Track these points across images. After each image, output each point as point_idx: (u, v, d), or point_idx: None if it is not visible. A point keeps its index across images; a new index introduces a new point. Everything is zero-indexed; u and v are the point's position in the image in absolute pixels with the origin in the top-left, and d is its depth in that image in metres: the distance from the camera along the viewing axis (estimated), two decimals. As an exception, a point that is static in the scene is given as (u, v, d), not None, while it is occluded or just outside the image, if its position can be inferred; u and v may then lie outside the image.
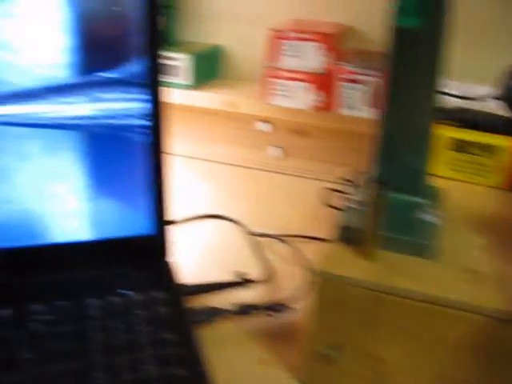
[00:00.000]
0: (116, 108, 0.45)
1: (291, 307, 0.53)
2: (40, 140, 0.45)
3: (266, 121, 0.85)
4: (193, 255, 0.55)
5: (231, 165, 0.85)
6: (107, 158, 0.47)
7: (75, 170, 0.46)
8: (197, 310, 0.49)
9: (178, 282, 0.48)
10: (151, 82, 0.46)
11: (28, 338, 0.40)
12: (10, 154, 0.44)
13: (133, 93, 0.45)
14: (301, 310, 0.53)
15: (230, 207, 0.70)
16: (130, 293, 0.45)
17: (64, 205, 0.46)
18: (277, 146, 0.83)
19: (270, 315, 0.52)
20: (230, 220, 0.67)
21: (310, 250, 0.63)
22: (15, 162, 0.44)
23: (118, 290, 0.45)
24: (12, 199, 0.45)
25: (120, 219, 0.48)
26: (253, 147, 0.86)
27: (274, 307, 0.53)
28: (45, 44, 0.43)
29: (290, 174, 0.85)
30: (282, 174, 0.85)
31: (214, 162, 0.72)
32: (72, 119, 0.45)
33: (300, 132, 0.86)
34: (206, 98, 1.02)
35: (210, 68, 1.03)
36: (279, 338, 0.50)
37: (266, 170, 0.86)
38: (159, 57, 0.46)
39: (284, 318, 0.52)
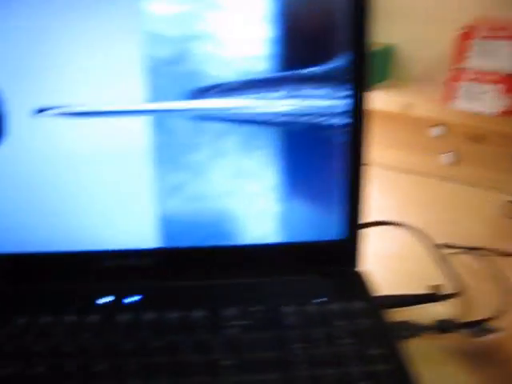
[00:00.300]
0: (317, 105, 0.42)
1: (492, 326, 0.47)
2: (236, 136, 0.43)
3: (441, 125, 0.78)
4: (378, 264, 0.50)
5: (403, 171, 0.80)
6: (303, 158, 0.44)
7: (269, 168, 0.43)
8: (396, 323, 0.44)
9: (373, 293, 0.43)
10: (355, 78, 0.42)
11: (225, 344, 0.38)
12: (205, 150, 0.43)
13: (336, 90, 0.42)
14: (504, 330, 0.46)
15: (405, 215, 0.65)
16: (326, 301, 0.41)
17: (255, 205, 0.44)
18: (451, 152, 0.76)
19: (470, 334, 0.46)
20: (412, 229, 0.61)
21: (502, 265, 0.56)
22: (210, 158, 0.43)
23: (314, 299, 0.42)
24: (204, 197, 0.43)
25: (311, 222, 0.45)
26: (425, 153, 0.80)
27: (473, 325, 0.47)
28: (247, 36, 0.41)
29: (466, 183, 0.78)
30: (457, 182, 0.78)
31: (385, 167, 0.67)
32: (270, 115, 0.42)
33: (477, 138, 0.78)
34: (379, 100, 0.97)
35: (381, 69, 0.98)
36: (484, 361, 0.44)
37: (440, 178, 0.79)
38: (365, 52, 0.42)
39: (486, 338, 0.46)
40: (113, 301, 0.42)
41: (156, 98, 0.41)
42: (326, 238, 0.45)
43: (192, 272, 0.44)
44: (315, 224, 0.45)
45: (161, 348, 0.37)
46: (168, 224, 0.44)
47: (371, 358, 0.37)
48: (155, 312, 0.40)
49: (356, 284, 0.44)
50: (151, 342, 0.38)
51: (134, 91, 0.41)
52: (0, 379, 0.35)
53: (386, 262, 0.56)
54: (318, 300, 0.42)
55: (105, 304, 0.41)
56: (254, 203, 0.44)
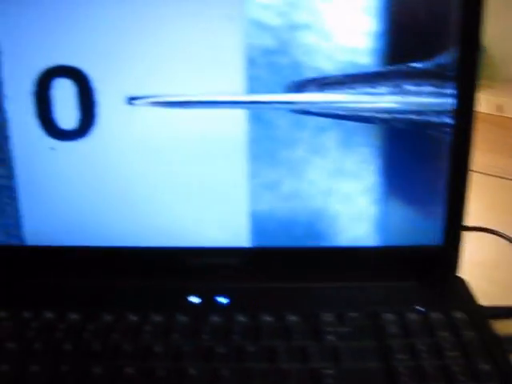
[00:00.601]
0: (422, 102, 0.40)
1: None
2: (336, 132, 0.40)
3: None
4: (472, 272, 0.47)
5: (493, 174, 0.76)
6: (403, 157, 0.41)
7: (369, 167, 0.41)
8: (503, 336, 0.41)
9: (475, 302, 0.40)
10: (463, 76, 0.39)
11: (325, 352, 0.35)
12: (304, 146, 0.41)
13: (442, 87, 0.39)
14: None
15: (495, 221, 0.61)
16: (426, 310, 0.39)
17: (352, 205, 0.42)
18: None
19: None
20: (505, 237, 0.58)
21: None
22: (308, 154, 0.41)
23: (413, 306, 0.39)
24: (299, 195, 0.41)
25: (409, 226, 0.42)
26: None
27: None
28: (352, 28, 0.39)
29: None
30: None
31: (473, 169, 0.63)
32: (372, 111, 0.40)
33: None
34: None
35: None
36: None
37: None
38: (475, 48, 0.39)
39: None
40: (202, 301, 0.40)
41: (255, 89, 0.40)
42: (425, 243, 0.43)
43: (284, 274, 0.42)
44: (414, 227, 0.42)
45: (256, 353, 0.35)
46: (260, 222, 0.42)
47: (480, 374, 0.34)
48: (247, 315, 0.38)
49: (456, 292, 0.42)
50: (246, 346, 0.36)
51: (232, 82, 0.39)
52: (88, 379, 0.34)
53: (480, 270, 0.53)
54: (419, 308, 0.39)
55: (194, 304, 0.40)
56: (350, 203, 0.42)
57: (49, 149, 0.41)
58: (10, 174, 0.42)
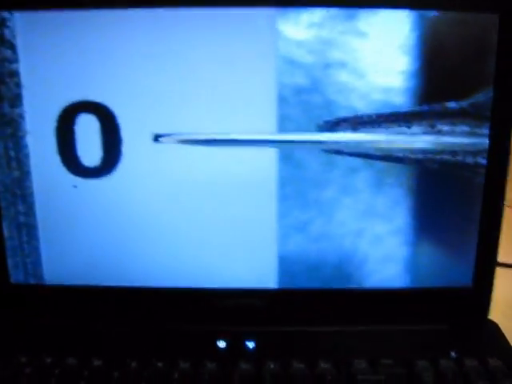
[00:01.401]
0: (456, 142, 0.39)
1: None
2: (367, 173, 0.39)
3: None
4: (505, 312, 0.46)
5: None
6: (435, 198, 0.40)
7: (400, 209, 0.40)
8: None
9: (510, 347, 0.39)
10: (497, 116, 0.38)
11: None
12: (334, 186, 0.39)
13: (477, 127, 0.38)
14: None
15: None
16: (460, 356, 0.38)
17: (382, 246, 0.41)
18: None
19: None
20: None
21: None
22: (339, 195, 0.39)
23: (446, 352, 0.38)
24: (329, 236, 0.40)
25: (439, 267, 0.41)
26: None
27: None
28: (387, 66, 0.38)
29: None
30: None
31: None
32: (405, 152, 0.39)
33: None
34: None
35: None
36: None
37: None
38: (511, 87, 0.38)
39: None
40: (229, 345, 0.39)
41: (286, 128, 0.38)
42: (455, 285, 0.41)
43: (312, 316, 0.41)
44: (444, 269, 0.41)
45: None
46: (288, 263, 0.41)
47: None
48: (278, 361, 0.37)
49: (490, 336, 0.40)
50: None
51: (263, 120, 0.38)
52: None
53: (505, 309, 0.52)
54: (453, 354, 0.38)
55: (221, 349, 0.38)
56: (380, 245, 0.41)
57: (71, 186, 0.40)
58: (29, 212, 0.40)
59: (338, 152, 0.39)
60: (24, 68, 0.38)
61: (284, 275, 0.41)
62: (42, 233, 0.41)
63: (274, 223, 0.40)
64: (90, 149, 0.39)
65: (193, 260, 0.41)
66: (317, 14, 0.37)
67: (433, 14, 0.37)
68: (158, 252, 0.40)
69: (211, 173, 0.39)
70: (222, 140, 0.39)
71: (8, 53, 0.38)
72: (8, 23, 0.38)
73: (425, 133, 0.39)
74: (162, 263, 0.41)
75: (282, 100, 0.38)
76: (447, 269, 0.41)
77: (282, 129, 0.38)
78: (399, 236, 0.40)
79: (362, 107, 0.39)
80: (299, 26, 0.37)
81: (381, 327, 0.41)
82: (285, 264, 0.41)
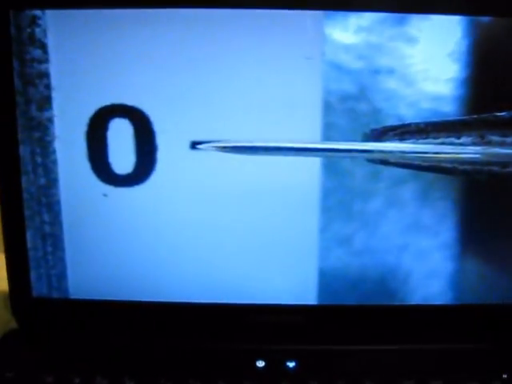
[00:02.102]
0: (506, 153, 0.37)
1: None
2: (414, 184, 0.38)
3: None
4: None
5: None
6: (484, 211, 0.38)
7: (447, 222, 0.38)
8: None
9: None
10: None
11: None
12: (379, 198, 0.37)
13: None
14: None
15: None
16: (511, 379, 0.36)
17: (427, 261, 0.39)
18: None
19: None
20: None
21: None
22: (383, 207, 0.38)
23: (496, 373, 0.36)
24: (372, 250, 0.38)
25: (485, 283, 0.40)
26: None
27: None
28: (436, 74, 0.36)
29: None
30: None
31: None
32: (454, 162, 0.37)
33: None
34: None
35: None
36: None
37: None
38: None
39: None
40: (269, 365, 0.36)
41: (331, 136, 0.37)
42: (504, 301, 0.40)
43: (353, 334, 0.39)
44: (491, 285, 0.39)
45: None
46: (329, 278, 0.39)
47: None
48: (321, 382, 0.35)
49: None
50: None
51: (307, 127, 0.37)
52: None
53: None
54: (504, 376, 0.36)
55: (260, 368, 0.36)
56: (425, 259, 0.39)
57: (100, 195, 0.37)
58: (55, 221, 0.38)
59: (384, 162, 0.37)
60: (54, 69, 0.36)
61: (324, 291, 0.39)
62: (68, 243, 0.38)
63: (315, 236, 0.38)
64: (122, 155, 0.37)
65: (229, 274, 0.38)
66: (365, 18, 0.35)
67: (485, 19, 0.36)
68: (192, 266, 0.38)
69: (250, 182, 0.37)
70: (262, 148, 0.37)
71: (38, 53, 0.36)
72: (39, 21, 0.36)
73: (474, 143, 0.37)
74: (197, 277, 0.38)
75: (327, 107, 0.36)
76: (495, 285, 0.39)
77: (326, 137, 0.37)
78: (445, 250, 0.39)
79: (410, 116, 0.37)
80: (347, 30, 0.36)
81: (427, 346, 0.39)
82: (325, 279, 0.39)
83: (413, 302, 0.40)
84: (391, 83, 0.36)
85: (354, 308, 0.40)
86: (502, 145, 0.38)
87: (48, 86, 0.36)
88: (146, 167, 0.37)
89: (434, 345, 0.39)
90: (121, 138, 0.37)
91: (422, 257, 0.39)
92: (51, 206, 0.38)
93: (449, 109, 0.37)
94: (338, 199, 0.38)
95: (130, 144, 0.37)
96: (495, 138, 0.38)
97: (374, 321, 0.40)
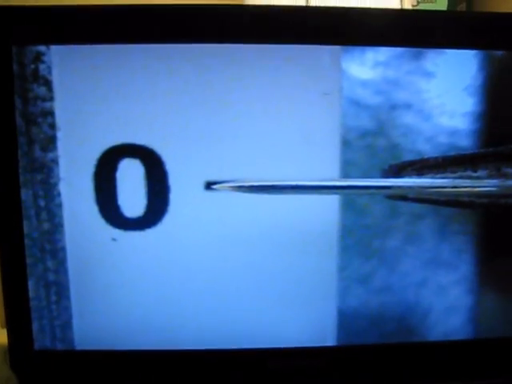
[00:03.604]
0: (523, 185, 0.37)
1: None
2: (433, 219, 0.37)
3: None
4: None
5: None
6: (502, 244, 0.38)
7: (465, 256, 0.37)
8: None
9: None
10: None
11: None
12: (398, 234, 0.37)
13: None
14: None
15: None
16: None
17: (447, 296, 0.38)
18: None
19: None
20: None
21: None
22: (403, 243, 0.37)
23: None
24: (391, 287, 0.37)
25: (507, 317, 0.39)
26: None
27: None
28: (452, 108, 0.36)
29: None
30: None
31: None
32: (471, 196, 0.37)
33: None
34: None
35: None
36: None
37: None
38: None
39: None
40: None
41: (348, 173, 0.36)
42: (517, 335, 0.39)
43: (374, 374, 0.37)
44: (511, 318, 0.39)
45: None
46: (348, 318, 0.37)
47: None
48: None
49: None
50: None
51: (324, 165, 0.35)
52: None
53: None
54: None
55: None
56: (445, 295, 0.38)
57: (109, 239, 0.35)
58: (60, 268, 0.36)
59: (403, 198, 0.36)
60: (59, 107, 0.34)
61: (343, 331, 0.37)
62: (73, 292, 0.36)
63: (335, 276, 0.36)
64: (132, 197, 0.35)
65: (245, 319, 0.37)
66: (382, 53, 0.35)
67: (500, 54, 0.36)
68: (208, 312, 0.36)
69: (268, 223, 0.36)
70: (280, 186, 0.35)
71: (42, 90, 0.34)
72: (43, 58, 0.33)
73: (490, 176, 0.37)
74: (212, 324, 0.37)
75: (345, 143, 0.35)
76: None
77: (344, 174, 0.36)
78: (465, 285, 0.38)
79: (428, 151, 0.36)
80: (364, 65, 0.35)
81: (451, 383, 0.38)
82: (344, 319, 0.37)
83: (433, 339, 0.39)
84: (409, 118, 0.36)
85: (373, 347, 0.38)
86: (517, 177, 0.37)
87: (52, 126, 0.34)
88: (157, 209, 0.35)
89: (456, 382, 0.38)
90: (131, 180, 0.35)
91: (442, 292, 0.38)
92: (56, 252, 0.36)
93: (465, 143, 0.36)
94: (357, 237, 0.37)
95: (140, 185, 0.35)
96: (511, 171, 0.37)
97: (394, 359, 0.38)
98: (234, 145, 0.35)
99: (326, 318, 0.37)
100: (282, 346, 0.37)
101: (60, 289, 0.36)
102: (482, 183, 0.37)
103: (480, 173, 0.37)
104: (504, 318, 0.39)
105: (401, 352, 0.38)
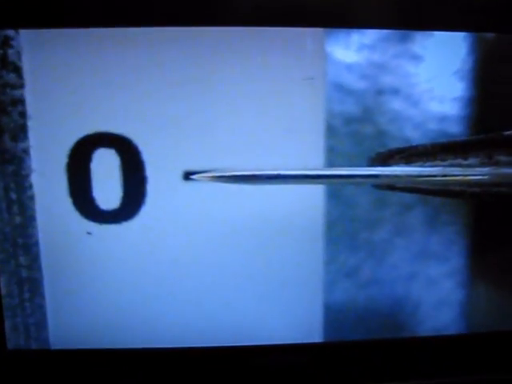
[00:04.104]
0: (514, 173, 0.35)
1: None
2: (422, 210, 0.35)
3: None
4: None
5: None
6: (494, 235, 0.36)
7: (456, 248, 0.36)
8: None
9: None
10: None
11: None
12: (386, 226, 0.35)
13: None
14: None
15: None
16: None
17: (436, 290, 0.36)
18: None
19: None
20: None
21: None
22: (391, 235, 0.35)
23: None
24: (380, 281, 0.36)
25: (499, 310, 0.38)
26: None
27: None
28: (442, 93, 0.34)
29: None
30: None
31: None
32: (462, 185, 0.35)
33: None
34: None
35: None
36: None
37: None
38: None
39: None
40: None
41: (333, 162, 0.34)
42: (512, 329, 0.38)
43: (361, 372, 0.36)
44: (503, 311, 0.37)
45: None
46: (335, 313, 0.36)
47: None
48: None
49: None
50: None
51: (308, 153, 0.34)
52: None
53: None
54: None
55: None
56: (435, 288, 0.36)
57: (84, 233, 0.34)
58: (33, 264, 0.34)
59: (391, 187, 0.35)
60: (30, 94, 0.32)
61: (330, 327, 0.36)
62: (48, 288, 0.34)
63: (320, 269, 0.35)
64: (107, 189, 0.33)
65: (227, 315, 0.35)
66: (368, 36, 0.33)
67: (490, 36, 0.34)
68: (188, 308, 0.35)
69: (249, 215, 0.34)
70: (262, 176, 0.34)
71: (11, 77, 0.32)
72: (12, 42, 0.32)
73: (482, 164, 0.35)
74: (192, 321, 0.35)
75: (330, 130, 0.34)
76: (506, 312, 0.37)
77: (329, 163, 0.34)
78: (455, 278, 0.36)
79: (416, 138, 0.35)
80: (349, 48, 0.33)
81: (440, 380, 0.36)
82: (331, 314, 0.36)
83: (423, 334, 0.37)
84: (396, 104, 0.34)
85: (361, 343, 0.37)
86: (510, 165, 0.36)
87: (23, 114, 0.33)
88: (134, 201, 0.34)
89: (447, 378, 0.36)
90: (106, 170, 0.33)
91: (432, 285, 0.37)
92: (28, 247, 0.34)
93: (455, 129, 0.35)
94: (344, 229, 0.35)
95: (116, 176, 0.33)
96: (503, 158, 0.36)
97: (383, 356, 0.37)
98: (213, 133, 0.33)
99: (312, 313, 0.36)
100: (266, 342, 0.36)
101: (33, 286, 0.34)
102: (474, 171, 0.36)
103: (471, 160, 0.36)
104: (497, 311, 0.38)
105: (389, 348, 0.37)
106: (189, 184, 0.34)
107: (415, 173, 0.35)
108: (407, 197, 0.35)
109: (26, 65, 0.32)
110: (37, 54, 0.32)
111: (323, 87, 0.34)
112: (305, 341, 0.36)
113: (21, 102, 0.32)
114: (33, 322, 0.35)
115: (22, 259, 0.34)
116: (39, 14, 0.32)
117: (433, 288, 0.37)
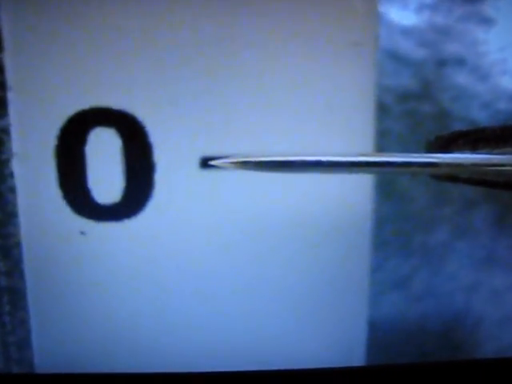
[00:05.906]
0: None
1: None
2: (488, 207, 0.29)
3: None
4: None
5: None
6: None
7: None
8: None
9: None
10: None
11: None
12: (445, 227, 0.29)
13: None
14: None
15: None
16: None
17: (503, 304, 0.30)
18: None
19: None
20: None
21: None
22: (450, 238, 0.29)
23: None
24: (436, 292, 0.30)
25: None
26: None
27: None
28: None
29: None
30: None
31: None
32: (537, 177, 0.28)
33: None
34: None
35: None
36: None
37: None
38: None
39: None
40: None
41: (384, 147, 0.28)
42: None
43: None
44: None
45: None
46: (381, 332, 0.29)
47: None
48: None
49: None
50: None
51: (354, 136, 0.27)
52: None
53: None
54: None
55: None
56: (501, 302, 0.30)
57: (77, 233, 0.27)
58: (14, 271, 0.28)
59: (452, 179, 0.28)
60: (11, 61, 0.26)
61: (375, 348, 0.30)
62: (32, 300, 0.28)
63: (366, 278, 0.28)
64: (106, 179, 0.27)
65: (249, 331, 0.29)
66: (429, -8, 0.27)
67: None
68: (202, 327, 0.29)
69: (280, 210, 0.28)
70: (296, 163, 0.27)
71: (-14, 38, 0.25)
72: (-13, -6, 0.25)
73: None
74: (206, 342, 0.29)
75: (381, 109, 0.27)
76: None
77: (380, 147, 0.27)
78: None
79: (485, 119, 0.28)
80: (407, 9, 0.27)
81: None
82: (376, 332, 0.30)
83: (485, 356, 0.31)
84: (461, 78, 0.28)
85: (411, 367, 0.31)
86: None
87: (2, 85, 0.26)
88: (139, 194, 0.27)
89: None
90: (105, 156, 0.27)
91: (496, 298, 0.30)
92: (8, 250, 0.28)
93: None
94: (395, 230, 0.28)
95: (116, 163, 0.27)
96: None
97: (436, 382, 0.31)
98: (236, 110, 0.27)
99: (353, 333, 0.29)
100: (298, 367, 0.29)
101: (15, 297, 0.28)
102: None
103: (547, 148, 0.29)
104: None
105: (445, 373, 0.31)
106: (207, 173, 0.27)
107: (482, 161, 0.29)
108: (471, 191, 0.29)
109: (6, 25, 0.26)
110: (19, 12, 0.26)
111: (374, 56, 0.27)
112: (344, 365, 0.30)
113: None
114: (14, 341, 0.29)
115: (1, 264, 0.28)
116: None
117: (498, 301, 0.30)
